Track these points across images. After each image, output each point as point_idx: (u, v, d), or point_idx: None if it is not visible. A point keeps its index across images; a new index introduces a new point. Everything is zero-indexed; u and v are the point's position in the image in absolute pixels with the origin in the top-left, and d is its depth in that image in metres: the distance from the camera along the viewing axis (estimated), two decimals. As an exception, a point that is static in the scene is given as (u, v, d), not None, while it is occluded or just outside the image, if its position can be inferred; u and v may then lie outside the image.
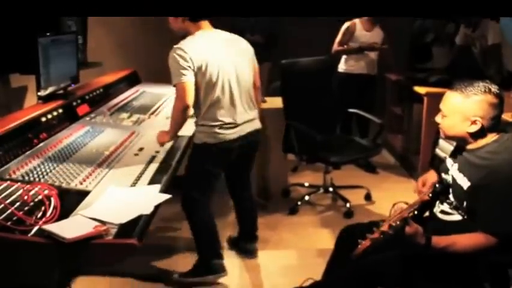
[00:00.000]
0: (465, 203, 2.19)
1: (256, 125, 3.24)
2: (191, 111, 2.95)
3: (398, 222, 2.05)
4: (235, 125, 3.07)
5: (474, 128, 2.13)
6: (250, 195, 3.57)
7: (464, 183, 2.18)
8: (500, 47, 5.02)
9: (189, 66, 2.87)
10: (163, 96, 4.00)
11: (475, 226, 2.13)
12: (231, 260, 3.47)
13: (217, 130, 3.02)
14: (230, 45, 3.11)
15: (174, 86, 2.91)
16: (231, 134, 3.06)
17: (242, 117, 3.10)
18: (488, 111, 2.11)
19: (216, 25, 3.15)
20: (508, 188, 2.05)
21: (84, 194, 1.98)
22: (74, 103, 3.09)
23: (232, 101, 3.05)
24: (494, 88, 2.12)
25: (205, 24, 3.04)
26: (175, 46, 2.92)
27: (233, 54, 3.08)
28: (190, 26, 3.01)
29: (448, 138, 2.32)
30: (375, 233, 2.10)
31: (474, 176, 2.15)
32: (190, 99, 2.88)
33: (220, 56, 2.99)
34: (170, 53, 2.93)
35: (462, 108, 2.13)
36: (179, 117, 2.90)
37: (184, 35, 3.03)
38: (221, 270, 3.19)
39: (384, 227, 2.08)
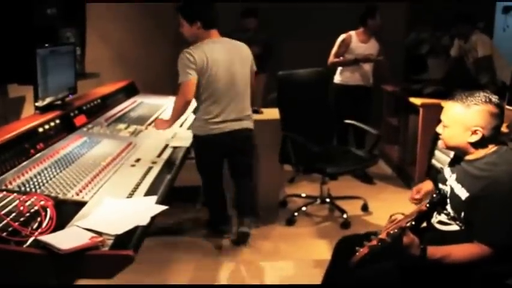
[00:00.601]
0: (463, 214, 2.19)
1: (246, 124, 3.67)
2: (191, 105, 3.50)
3: (395, 230, 2.05)
4: (223, 121, 3.53)
5: (475, 138, 2.14)
6: (248, 181, 3.94)
7: (463, 193, 2.19)
8: (491, 59, 5.06)
9: (194, 67, 3.36)
10: (160, 107, 4.01)
11: (472, 237, 2.14)
12: (225, 270, 3.48)
13: (205, 124, 3.50)
14: (232, 51, 3.55)
15: (179, 83, 3.41)
16: (216, 129, 3.52)
17: (232, 115, 3.56)
18: (489, 121, 2.12)
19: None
20: (506, 199, 2.05)
21: (80, 204, 1.97)
22: (72, 114, 3.09)
23: (226, 100, 3.51)
24: (494, 98, 2.14)
25: (214, 33, 3.52)
26: (184, 50, 3.42)
27: (234, 59, 3.53)
28: (202, 33, 3.48)
29: (449, 148, 2.31)
30: (373, 241, 2.10)
31: (473, 186, 2.15)
32: (192, 95, 3.42)
33: (221, 60, 3.45)
34: (180, 55, 3.42)
35: (463, 118, 2.14)
36: (180, 110, 3.46)
37: (193, 42, 3.49)
38: (226, 232, 3.93)
39: (382, 235, 2.08)
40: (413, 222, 2.41)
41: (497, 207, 2.07)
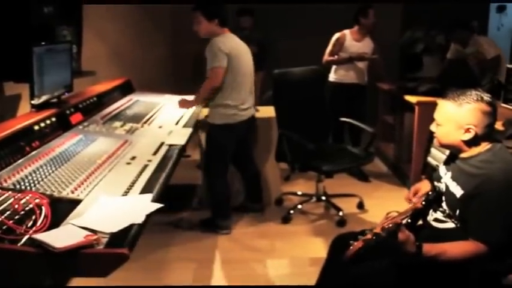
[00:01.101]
0: (458, 211, 2.21)
1: (254, 111, 4.10)
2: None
3: (390, 225, 2.06)
4: (245, 109, 3.91)
5: (468, 136, 2.15)
6: (255, 165, 4.32)
7: (458, 191, 2.20)
8: (500, 58, 5.10)
9: (225, 55, 3.67)
10: (156, 105, 4.01)
11: (467, 234, 2.15)
12: (221, 268, 3.49)
13: (235, 112, 3.85)
14: (244, 46, 3.95)
15: (210, 69, 3.70)
16: (243, 116, 3.90)
17: (249, 103, 3.94)
18: (481, 119, 2.13)
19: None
20: (501, 197, 2.07)
21: (76, 202, 1.97)
22: (68, 112, 3.09)
23: (245, 88, 3.89)
24: (486, 96, 2.15)
25: (227, 30, 3.85)
26: (211, 40, 3.72)
27: (247, 53, 3.94)
28: (219, 30, 3.79)
29: (443, 146, 2.34)
30: (368, 235, 2.11)
31: (467, 184, 2.16)
32: (220, 81, 3.73)
33: (240, 51, 3.85)
34: (210, 44, 3.71)
35: (455, 116, 2.16)
36: (206, 94, 3.80)
37: (206, 38, 3.81)
38: (228, 228, 4.03)
39: (377, 229, 2.09)
40: (409, 220, 2.43)
41: (492, 205, 2.08)
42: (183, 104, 3.91)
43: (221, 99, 3.82)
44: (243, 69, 3.86)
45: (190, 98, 3.97)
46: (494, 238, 2.08)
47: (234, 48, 3.78)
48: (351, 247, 2.12)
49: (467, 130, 2.15)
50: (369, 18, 5.07)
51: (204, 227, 4.07)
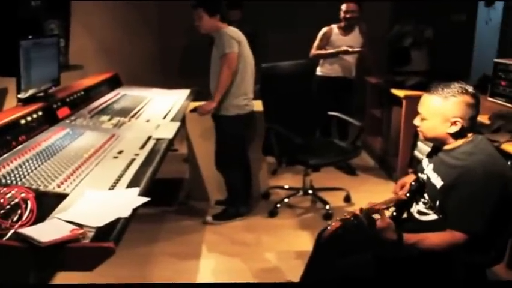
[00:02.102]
0: (438, 202, 2.24)
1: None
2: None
3: (369, 208, 2.09)
4: (251, 99, 4.05)
5: (454, 129, 2.18)
6: (248, 161, 4.37)
7: (438, 182, 2.24)
8: None
9: (235, 41, 3.77)
10: (144, 99, 4.01)
11: (446, 224, 2.18)
12: (208, 262, 3.50)
13: (246, 102, 3.97)
14: (244, 37, 3.98)
15: (224, 55, 3.74)
16: (251, 106, 4.06)
17: (252, 94, 4.04)
18: (466, 111, 2.16)
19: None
20: (479, 187, 2.10)
21: (62, 197, 1.97)
22: (55, 105, 3.08)
23: (251, 78, 4.01)
24: (470, 89, 2.18)
25: (226, 24, 3.90)
26: (220, 31, 3.80)
27: (247, 44, 3.98)
28: (220, 25, 3.85)
29: (428, 140, 2.36)
30: (347, 215, 2.13)
31: (447, 176, 2.20)
32: (235, 66, 3.80)
33: (245, 42, 3.94)
34: (219, 34, 3.79)
35: (442, 109, 2.18)
36: (226, 82, 3.79)
37: (206, 34, 3.94)
38: (246, 213, 4.19)
39: (356, 211, 2.11)
40: (395, 213, 2.46)
41: (470, 195, 2.11)
42: (207, 106, 3.90)
43: (232, 88, 3.88)
44: (249, 59, 3.97)
45: (202, 103, 3.99)
46: (472, 228, 2.11)
47: (241, 38, 3.88)
48: (328, 227, 2.14)
49: (454, 123, 2.17)
50: (341, 11, 5.08)
51: (219, 219, 4.11)
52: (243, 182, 4.24)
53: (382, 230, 2.06)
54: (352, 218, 2.09)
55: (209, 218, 4.10)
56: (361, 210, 2.09)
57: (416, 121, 2.31)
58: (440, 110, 2.18)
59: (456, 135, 2.21)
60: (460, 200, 2.14)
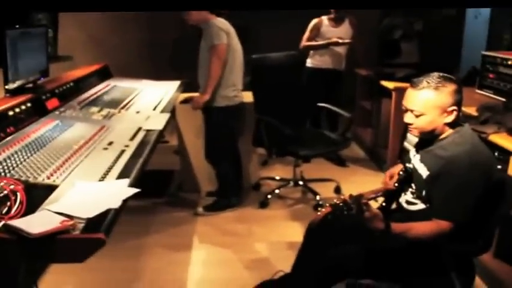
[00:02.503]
0: (424, 192, 2.27)
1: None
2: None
3: (359, 196, 2.10)
4: (240, 91, 4.03)
5: (451, 118, 2.19)
6: (239, 152, 4.37)
7: (424, 172, 2.26)
8: None
9: (224, 33, 3.75)
10: (134, 90, 3.99)
11: (431, 214, 2.20)
12: (200, 253, 3.51)
13: (235, 94, 3.95)
14: (233, 29, 3.96)
15: (213, 46, 3.71)
16: (241, 97, 4.05)
17: (241, 86, 4.04)
18: (457, 98, 2.18)
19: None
20: (463, 177, 2.12)
21: (51, 188, 1.96)
22: (44, 97, 3.06)
23: (240, 70, 4.00)
24: (451, 76, 2.21)
25: (214, 16, 3.84)
26: (209, 22, 3.77)
27: (236, 35, 3.96)
28: (209, 16, 3.81)
29: (424, 134, 2.30)
30: (337, 201, 2.14)
31: (433, 165, 2.22)
32: (225, 58, 3.77)
33: (233, 33, 3.91)
34: (208, 25, 3.76)
35: (437, 102, 2.17)
36: (218, 74, 3.77)
37: (195, 26, 3.88)
38: (237, 204, 4.20)
39: (345, 197, 2.12)
40: (384, 203, 2.48)
41: (454, 185, 2.13)
42: (196, 102, 3.91)
43: (222, 80, 3.86)
44: (237, 51, 3.96)
45: (195, 94, 3.98)
46: (456, 217, 2.14)
47: (229, 29, 3.87)
48: (318, 213, 2.15)
49: (450, 112, 2.18)
50: None
51: (210, 210, 4.12)
52: (233, 173, 4.24)
53: (370, 220, 2.07)
54: (341, 204, 2.09)
55: (200, 210, 4.10)
56: (350, 196, 2.10)
57: (409, 119, 2.25)
58: (435, 102, 2.17)
59: (452, 124, 2.22)
60: (444, 189, 2.16)
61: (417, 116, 2.22)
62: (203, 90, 3.86)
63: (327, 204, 2.15)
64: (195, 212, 4.09)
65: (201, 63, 3.91)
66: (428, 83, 2.17)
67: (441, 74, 2.20)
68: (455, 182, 2.13)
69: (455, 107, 2.17)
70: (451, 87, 2.16)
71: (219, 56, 3.75)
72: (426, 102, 2.18)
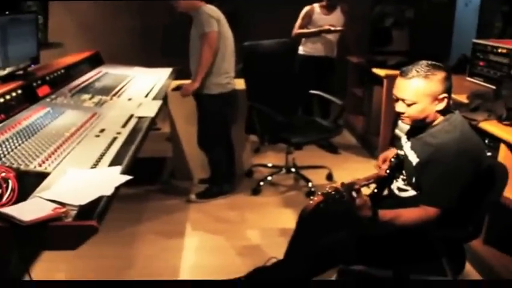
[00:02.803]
0: (414, 179, 2.28)
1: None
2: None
3: (350, 183, 2.11)
4: (232, 78, 4.00)
5: (442, 105, 2.20)
6: (231, 140, 4.35)
7: (414, 159, 2.28)
8: None
9: (214, 20, 3.70)
10: (126, 77, 3.98)
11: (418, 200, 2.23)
12: (192, 240, 3.52)
13: (228, 80, 3.92)
14: (223, 15, 3.91)
15: (204, 34, 3.66)
16: (233, 84, 4.01)
17: (233, 73, 4.00)
18: (447, 85, 2.19)
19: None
20: (451, 164, 2.13)
21: (43, 176, 1.96)
22: (34, 84, 3.04)
23: (232, 57, 3.96)
24: (439, 63, 2.22)
25: (204, 2, 3.80)
26: (199, 9, 3.71)
27: (226, 22, 3.90)
28: (198, 2, 3.77)
29: (416, 122, 2.30)
30: (329, 190, 2.16)
31: (423, 153, 2.24)
32: (216, 46, 3.72)
33: (224, 20, 3.86)
34: (198, 12, 3.70)
35: (428, 90, 2.17)
36: (208, 62, 3.72)
37: (184, 13, 3.83)
38: (229, 191, 4.21)
39: (337, 185, 2.14)
40: (376, 190, 2.49)
41: (441, 172, 2.15)
42: (186, 89, 3.87)
43: (214, 67, 3.83)
44: (228, 38, 3.92)
45: (186, 82, 3.94)
46: (442, 203, 2.16)
47: (220, 16, 3.82)
48: (310, 201, 2.16)
49: (441, 100, 2.19)
50: None
51: (202, 197, 4.12)
52: (226, 160, 4.23)
53: (359, 208, 2.08)
54: (333, 192, 2.10)
55: (193, 197, 4.11)
56: (342, 184, 2.11)
57: (401, 108, 2.25)
58: (426, 90, 2.17)
59: (443, 111, 2.23)
60: (432, 176, 2.18)
61: (408, 105, 2.22)
62: (193, 78, 3.83)
63: (319, 193, 2.16)
64: (187, 199, 4.09)
65: (192, 50, 3.88)
66: (418, 71, 2.17)
67: (430, 61, 2.21)
68: (442, 169, 2.15)
69: (445, 95, 2.18)
70: (440, 75, 2.17)
71: (210, 44, 3.70)
72: (417, 90, 2.18)
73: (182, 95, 3.91)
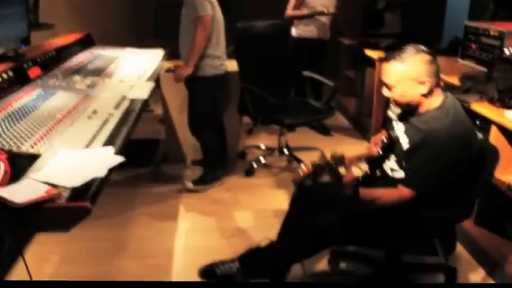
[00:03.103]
0: (404, 163, 2.31)
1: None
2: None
3: (340, 155, 2.12)
4: (225, 60, 3.96)
5: (424, 89, 2.21)
6: (222, 123, 4.32)
7: (405, 144, 2.30)
8: None
9: (208, 3, 3.65)
10: (118, 59, 3.95)
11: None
12: (186, 222, 3.53)
13: (221, 62, 3.88)
14: None
15: (199, 18, 3.61)
16: (226, 66, 3.97)
17: (225, 55, 3.96)
18: (429, 68, 2.20)
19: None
20: (439, 150, 2.16)
21: (35, 157, 1.94)
22: (25, 65, 3.00)
23: (223, 41, 3.90)
24: (423, 47, 2.23)
25: None
26: None
27: (217, 3, 3.86)
28: None
29: (402, 106, 2.35)
30: (318, 161, 2.17)
31: (414, 138, 2.27)
32: (210, 29, 3.68)
33: (215, 2, 3.81)
34: None
35: (406, 74, 2.20)
36: (202, 46, 3.67)
37: None
38: (223, 176, 4.14)
39: (327, 157, 2.15)
40: (368, 171, 2.51)
41: (428, 157, 2.19)
42: (179, 74, 3.78)
43: (208, 50, 3.78)
44: (221, 21, 3.88)
45: (179, 63, 3.89)
46: (419, 187, 2.20)
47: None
48: (300, 173, 2.17)
49: (423, 83, 2.20)
50: None
51: (200, 184, 4.03)
52: (218, 144, 4.20)
53: (345, 185, 2.09)
54: (323, 164, 2.12)
55: (190, 184, 4.02)
56: (332, 156, 2.13)
57: (385, 92, 2.32)
58: (405, 74, 2.21)
59: (428, 94, 2.24)
60: (419, 160, 2.23)
61: (390, 89, 2.27)
62: (186, 63, 3.77)
63: (309, 163, 2.17)
64: (185, 188, 4.00)
65: (183, 33, 3.83)
66: (398, 56, 2.21)
67: (415, 45, 2.23)
68: (430, 155, 2.18)
69: (427, 78, 2.19)
70: (421, 58, 2.19)
71: (205, 27, 3.65)
72: (396, 74, 2.22)
73: (176, 80, 3.84)
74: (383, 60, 2.30)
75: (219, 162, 4.18)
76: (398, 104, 2.32)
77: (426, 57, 2.19)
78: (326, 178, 2.12)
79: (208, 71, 3.83)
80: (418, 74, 2.19)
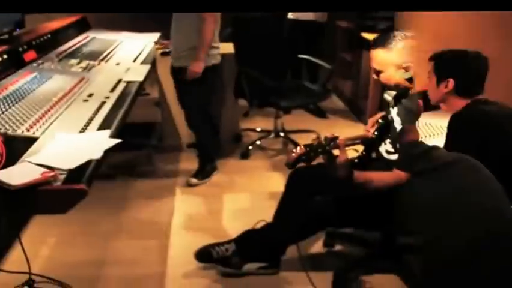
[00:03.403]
0: (397, 144, 2.34)
1: None
2: None
3: (333, 137, 2.14)
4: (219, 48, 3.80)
5: (409, 74, 2.29)
6: (217, 111, 4.25)
7: (398, 126, 2.32)
8: None
9: None
10: (113, 42, 3.95)
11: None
12: (182, 204, 3.55)
13: (218, 51, 3.75)
14: None
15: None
16: (220, 54, 3.79)
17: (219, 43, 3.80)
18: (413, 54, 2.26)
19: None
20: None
21: (31, 140, 1.96)
22: (20, 49, 3.00)
23: (218, 28, 3.70)
24: (408, 33, 2.30)
25: None
26: None
27: None
28: None
29: (391, 88, 2.48)
30: (312, 142, 2.18)
31: (406, 120, 2.29)
32: (217, 19, 3.58)
33: None
34: None
35: (391, 59, 2.31)
36: (211, 39, 3.54)
37: None
38: (216, 167, 4.02)
39: (321, 138, 2.16)
40: (363, 152, 2.52)
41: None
42: (193, 72, 3.54)
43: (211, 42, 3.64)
44: None
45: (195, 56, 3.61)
46: (410, 168, 2.18)
47: None
48: (293, 154, 2.18)
49: (407, 68, 2.28)
50: None
51: (202, 177, 3.90)
52: (212, 135, 4.09)
53: (339, 166, 2.10)
54: (316, 144, 2.12)
55: (194, 180, 3.86)
56: (326, 138, 2.14)
57: (375, 76, 2.44)
58: (389, 60, 2.31)
59: (412, 79, 2.31)
60: (410, 142, 2.24)
61: (377, 73, 2.39)
62: (196, 58, 3.53)
63: (302, 145, 2.18)
64: (188, 183, 3.85)
65: (179, 28, 3.61)
66: (384, 41, 2.30)
67: (400, 32, 2.32)
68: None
69: (410, 64, 2.28)
70: (403, 45, 2.27)
71: (215, 20, 3.53)
72: (381, 60, 2.34)
73: (190, 77, 3.56)
74: (370, 46, 2.38)
75: (214, 152, 4.09)
76: (387, 85, 2.40)
77: (411, 43, 2.25)
78: (319, 159, 2.13)
79: (208, 61, 3.64)
80: (402, 60, 2.31)
